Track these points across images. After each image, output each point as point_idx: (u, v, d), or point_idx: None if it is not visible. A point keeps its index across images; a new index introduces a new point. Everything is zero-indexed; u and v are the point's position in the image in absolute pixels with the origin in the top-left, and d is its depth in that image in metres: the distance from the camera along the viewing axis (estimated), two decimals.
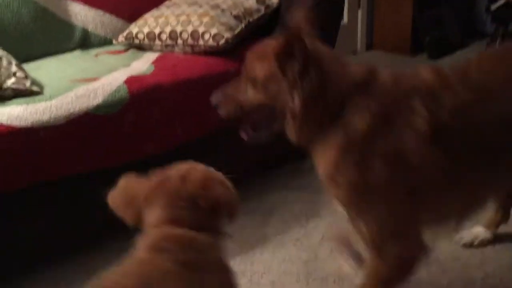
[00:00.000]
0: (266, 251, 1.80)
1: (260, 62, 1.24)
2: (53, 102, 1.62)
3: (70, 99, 1.63)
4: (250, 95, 1.27)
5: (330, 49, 1.27)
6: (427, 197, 1.24)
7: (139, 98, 1.72)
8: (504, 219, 1.75)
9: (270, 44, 1.25)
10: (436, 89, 1.21)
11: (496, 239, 1.76)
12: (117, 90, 1.70)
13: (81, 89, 1.68)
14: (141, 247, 0.99)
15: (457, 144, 1.21)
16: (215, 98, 1.33)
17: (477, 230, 1.77)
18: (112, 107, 1.67)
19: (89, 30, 2.27)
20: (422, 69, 1.26)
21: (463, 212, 1.36)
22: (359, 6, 3.64)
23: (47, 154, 1.59)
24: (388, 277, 1.28)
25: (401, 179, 1.20)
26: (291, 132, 1.25)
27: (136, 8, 2.32)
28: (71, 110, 1.61)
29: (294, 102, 1.19)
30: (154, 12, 2.18)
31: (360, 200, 1.24)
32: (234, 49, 2.00)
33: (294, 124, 1.22)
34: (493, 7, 3.47)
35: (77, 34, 2.25)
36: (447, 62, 3.12)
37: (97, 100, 1.66)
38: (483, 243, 1.74)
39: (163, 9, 2.18)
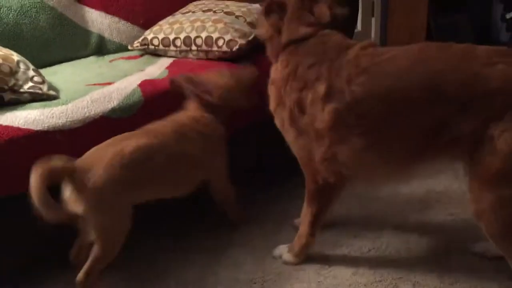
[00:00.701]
0: (278, 260, 1.79)
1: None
2: (69, 106, 1.64)
3: (86, 103, 1.66)
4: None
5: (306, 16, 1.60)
6: (323, 142, 1.52)
7: (153, 101, 1.74)
8: None
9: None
10: (346, 61, 1.47)
11: None
12: (132, 93, 1.72)
13: (97, 93, 1.70)
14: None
15: (345, 106, 1.45)
16: None
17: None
18: (127, 110, 1.69)
19: (105, 36, 2.30)
20: (360, 43, 1.53)
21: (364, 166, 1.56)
22: (372, 13, 3.64)
23: None
24: (312, 191, 1.64)
25: (298, 121, 1.55)
26: None
27: (152, 15, 2.35)
28: (87, 114, 1.63)
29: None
30: (169, 19, 2.21)
31: (280, 127, 1.65)
32: (248, 56, 2.01)
33: None
34: (508, 15, 3.45)
35: (93, 40, 2.28)
36: None
37: (112, 103, 1.68)
38: (496, 256, 1.71)
39: (178, 16, 2.20)
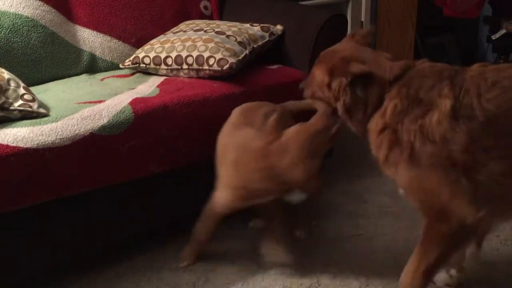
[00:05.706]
0: (267, 276, 1.78)
1: (318, 69, 1.52)
2: (59, 123, 1.64)
3: (76, 120, 1.66)
4: (312, 89, 1.57)
5: (372, 52, 1.51)
6: (464, 172, 1.31)
7: (144, 118, 1.73)
8: None
9: (335, 53, 1.53)
10: (469, 78, 1.34)
11: None
12: (122, 111, 1.72)
13: (87, 111, 1.70)
14: None
15: (479, 125, 1.29)
16: (302, 84, 1.65)
17: None
18: (117, 127, 1.69)
19: (97, 55, 2.31)
20: (474, 66, 1.40)
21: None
22: None
23: (53, 175, 1.60)
24: (440, 236, 1.40)
25: (420, 155, 1.35)
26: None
27: (143, 34, 2.37)
28: (76, 131, 1.63)
29: (338, 109, 1.48)
30: (161, 38, 2.22)
31: (394, 174, 1.43)
32: (239, 74, 2.03)
33: (345, 121, 1.52)
34: (494, 36, 3.52)
35: (85, 59, 2.29)
36: None
37: (102, 121, 1.68)
38: None
39: (169, 35, 2.23)
